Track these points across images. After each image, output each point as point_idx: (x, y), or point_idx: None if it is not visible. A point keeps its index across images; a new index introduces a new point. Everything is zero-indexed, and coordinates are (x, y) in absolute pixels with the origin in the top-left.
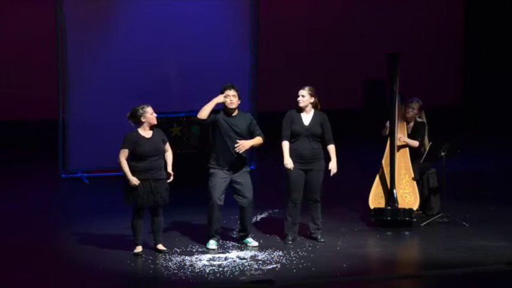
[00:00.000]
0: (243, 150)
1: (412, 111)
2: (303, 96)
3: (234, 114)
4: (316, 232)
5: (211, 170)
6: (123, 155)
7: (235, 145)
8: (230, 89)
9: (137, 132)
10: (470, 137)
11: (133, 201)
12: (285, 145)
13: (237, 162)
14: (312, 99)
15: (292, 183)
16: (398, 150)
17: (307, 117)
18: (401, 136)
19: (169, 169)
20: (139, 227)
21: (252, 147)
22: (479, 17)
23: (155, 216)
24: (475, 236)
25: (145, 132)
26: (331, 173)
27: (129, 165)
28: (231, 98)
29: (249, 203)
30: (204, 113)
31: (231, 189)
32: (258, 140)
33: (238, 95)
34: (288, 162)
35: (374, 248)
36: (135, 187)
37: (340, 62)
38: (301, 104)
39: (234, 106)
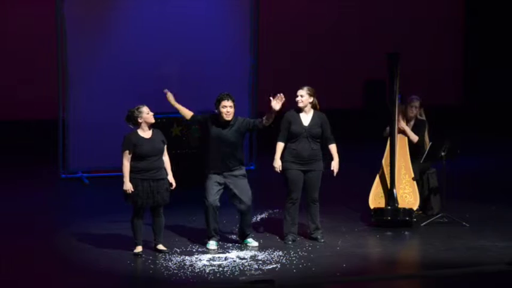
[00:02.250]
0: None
1: (415, 109)
2: (301, 96)
3: (228, 124)
4: (316, 232)
5: (206, 173)
6: (126, 157)
7: (276, 98)
8: (228, 100)
9: (136, 133)
10: (470, 137)
11: (133, 201)
12: (279, 146)
13: (232, 168)
14: (311, 99)
15: (291, 184)
16: (398, 133)
17: (306, 118)
18: (403, 124)
19: (170, 177)
20: (138, 227)
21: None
22: (479, 17)
23: (156, 217)
24: (475, 236)
25: (145, 133)
26: (334, 173)
27: (130, 165)
28: (227, 109)
29: (248, 208)
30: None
31: (228, 194)
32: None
33: (234, 104)
34: (277, 166)
35: (374, 248)
36: (133, 189)
37: (340, 62)
38: (301, 105)
39: (230, 118)
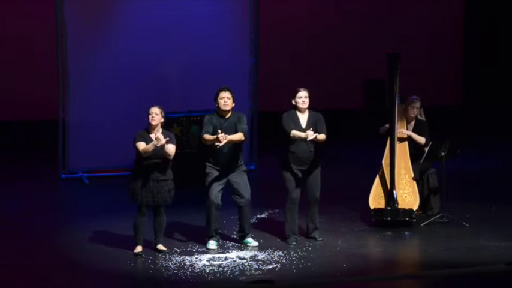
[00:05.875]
0: (223, 143)
1: (416, 110)
2: (305, 97)
3: (227, 116)
4: (314, 232)
5: (208, 170)
6: (140, 146)
7: (217, 143)
8: (225, 91)
9: (144, 131)
10: (470, 137)
11: (135, 199)
12: (295, 132)
13: (232, 162)
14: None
15: (289, 183)
16: (400, 141)
17: (303, 119)
18: (403, 129)
19: (159, 134)
20: (141, 226)
21: (237, 142)
22: (479, 17)
23: (157, 216)
24: (475, 236)
25: (152, 134)
26: (309, 136)
27: (133, 163)
28: (225, 100)
29: (247, 202)
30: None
31: (229, 189)
32: (238, 136)
33: (233, 97)
34: (308, 133)
35: (374, 248)
36: (134, 186)
37: (340, 62)
38: (306, 105)
39: (228, 108)
